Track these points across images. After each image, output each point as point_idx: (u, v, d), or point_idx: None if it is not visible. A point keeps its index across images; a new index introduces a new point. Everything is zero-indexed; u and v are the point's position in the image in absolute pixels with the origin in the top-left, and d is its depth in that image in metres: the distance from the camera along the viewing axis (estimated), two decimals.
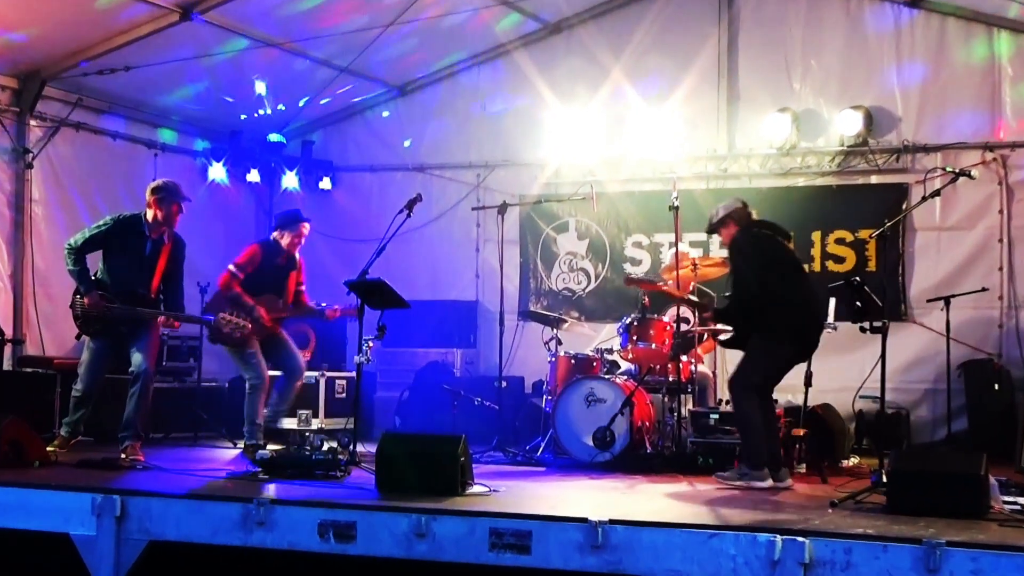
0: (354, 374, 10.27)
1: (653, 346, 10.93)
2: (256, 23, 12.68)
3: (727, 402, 10.91)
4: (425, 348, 14.05)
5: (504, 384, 11.82)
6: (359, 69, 14.10)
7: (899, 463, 7.68)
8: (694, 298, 10.73)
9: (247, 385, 10.66)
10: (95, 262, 10.19)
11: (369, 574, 7.35)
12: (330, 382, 12.52)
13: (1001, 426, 11.71)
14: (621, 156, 13.98)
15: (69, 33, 11.94)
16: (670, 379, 10.69)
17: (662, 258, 13.57)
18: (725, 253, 12.73)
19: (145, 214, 10.15)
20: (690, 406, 10.77)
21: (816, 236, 13.26)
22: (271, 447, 9.81)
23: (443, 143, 14.98)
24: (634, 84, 13.85)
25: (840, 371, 11.75)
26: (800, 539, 6.28)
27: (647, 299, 11.16)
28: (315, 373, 12.42)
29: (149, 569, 7.67)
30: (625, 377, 11.13)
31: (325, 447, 9.13)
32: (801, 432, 10.32)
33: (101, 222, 10.22)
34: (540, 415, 11.68)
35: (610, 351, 11.55)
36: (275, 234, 11.06)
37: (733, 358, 12.14)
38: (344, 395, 12.57)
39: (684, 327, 10.89)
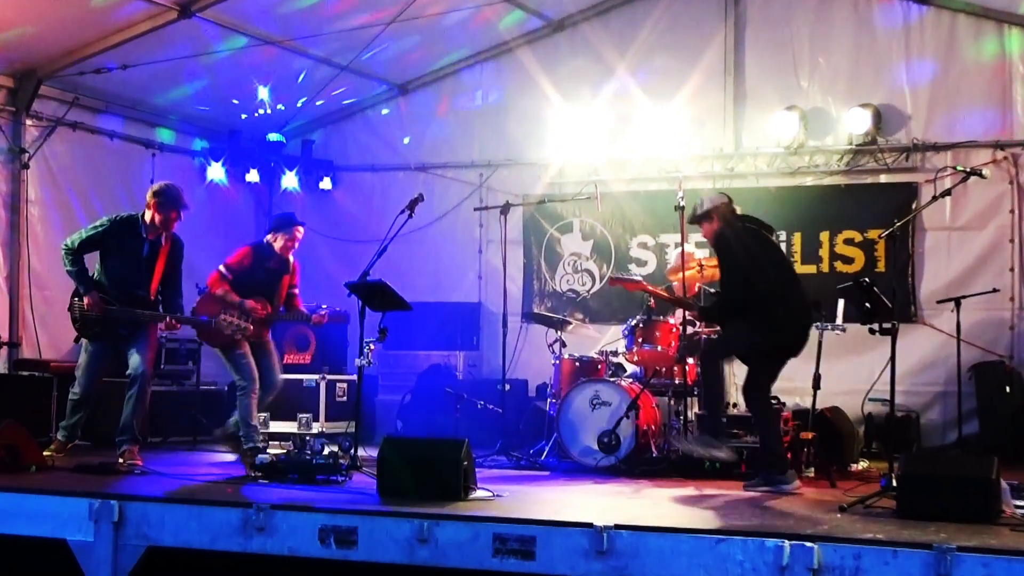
0: (355, 377, 10.26)
1: (659, 348, 10.92)
2: (255, 21, 12.69)
3: (734, 405, 10.93)
4: (427, 351, 14.05)
5: (507, 387, 11.83)
6: (360, 67, 14.11)
7: (909, 467, 7.67)
8: (684, 298, 10.80)
9: (237, 388, 10.68)
10: (92, 264, 10.18)
11: None
12: (331, 385, 12.52)
13: (1013, 429, 11.72)
14: (626, 155, 13.98)
15: (65, 31, 11.95)
16: (676, 382, 10.69)
17: (668, 259, 13.56)
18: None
19: (143, 215, 10.15)
20: (696, 409, 10.75)
21: (824, 236, 13.26)
22: (271, 451, 9.81)
23: (445, 142, 14.98)
24: (639, 82, 13.85)
25: (849, 373, 11.77)
26: (808, 544, 6.27)
27: (652, 300, 11.15)
28: (316, 376, 12.42)
29: (147, 575, 7.67)
30: (630, 380, 11.12)
31: (326, 451, 9.14)
32: (809, 435, 10.32)
33: (98, 223, 10.22)
34: (544, 418, 11.68)
35: (615, 353, 11.55)
36: (268, 237, 11.07)
37: (739, 361, 12.18)
38: (345, 398, 12.57)
39: (690, 329, 10.89)
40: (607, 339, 13.11)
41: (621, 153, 13.98)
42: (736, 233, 9.45)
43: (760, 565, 6.34)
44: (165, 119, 14.22)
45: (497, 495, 8.24)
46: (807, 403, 10.69)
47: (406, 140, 15.16)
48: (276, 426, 12.27)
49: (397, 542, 7.06)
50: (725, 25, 13.69)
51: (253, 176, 14.66)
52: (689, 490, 9.13)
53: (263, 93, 13.97)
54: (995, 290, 12.28)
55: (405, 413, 13.30)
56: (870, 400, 10.21)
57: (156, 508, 7.66)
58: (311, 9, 12.68)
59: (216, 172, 14.33)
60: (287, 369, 12.63)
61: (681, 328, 10.67)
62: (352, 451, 9.43)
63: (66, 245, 10.05)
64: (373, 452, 9.18)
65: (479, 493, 8.24)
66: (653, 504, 8.39)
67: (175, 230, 10.33)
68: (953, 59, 12.91)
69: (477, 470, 8.59)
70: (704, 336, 11.08)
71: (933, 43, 12.97)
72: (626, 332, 11.23)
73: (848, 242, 13.17)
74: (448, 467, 8.07)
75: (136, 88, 13.29)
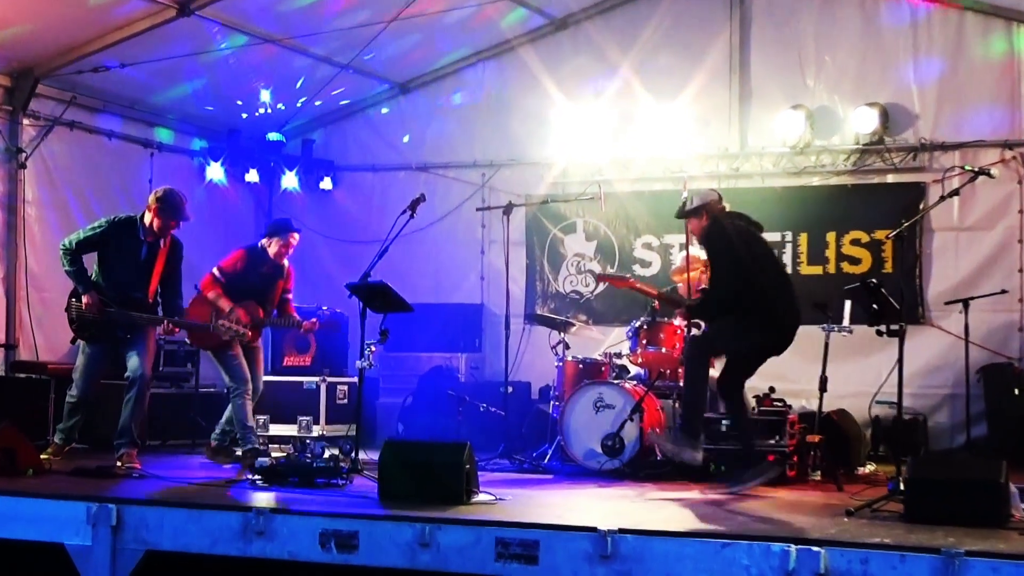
0: (356, 379, 10.27)
1: (663, 350, 10.92)
2: (255, 19, 12.70)
3: None
4: (429, 353, 14.04)
5: (510, 389, 11.82)
6: (360, 66, 14.12)
7: (917, 470, 7.66)
8: (669, 295, 10.84)
9: (230, 391, 10.72)
10: (89, 266, 10.18)
11: None
12: (331, 388, 12.52)
13: (1021, 432, 11.69)
14: (630, 155, 13.97)
15: (63, 29, 11.95)
16: (681, 384, 10.68)
17: (672, 260, 13.56)
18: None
19: (142, 216, 10.15)
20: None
21: (831, 237, 13.25)
22: (271, 454, 9.82)
23: (447, 142, 14.98)
24: (643, 81, 13.84)
25: (856, 376, 11.78)
26: (815, 549, 6.26)
27: (657, 302, 11.15)
28: (316, 378, 12.42)
29: None
30: (635, 382, 11.11)
31: (326, 454, 9.14)
32: (816, 438, 10.33)
33: (96, 224, 10.23)
34: (547, 421, 11.67)
35: (619, 355, 11.54)
36: (263, 241, 11.11)
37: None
38: (346, 401, 12.57)
39: (695, 331, 10.88)
40: (611, 341, 13.08)
41: (625, 153, 13.97)
42: (725, 230, 9.48)
43: (766, 570, 6.32)
44: (164, 118, 14.22)
45: (500, 499, 8.23)
46: (813, 405, 10.69)
47: (405, 139, 15.16)
48: (276, 429, 12.31)
49: (398, 546, 7.05)
50: (730, 23, 13.68)
51: (253, 176, 14.66)
52: (694, 494, 9.12)
53: (264, 95, 13.99)
54: (1004, 291, 12.28)
55: (406, 416, 13.29)
56: (877, 403, 10.23)
57: (155, 512, 7.65)
58: (311, 7, 12.69)
59: (215, 172, 14.33)
60: (287, 371, 12.70)
61: (686, 330, 10.67)
62: (353, 454, 9.44)
63: (64, 245, 10.06)
64: (374, 455, 9.18)
65: (481, 497, 8.23)
66: (658, 508, 8.38)
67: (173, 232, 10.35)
68: (961, 57, 12.90)
69: (479, 474, 8.58)
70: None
71: (941, 41, 12.96)
72: (630, 334, 11.22)
73: (855, 243, 13.17)
74: (450, 470, 8.07)
75: (135, 87, 13.30)
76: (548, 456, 11.07)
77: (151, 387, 10.32)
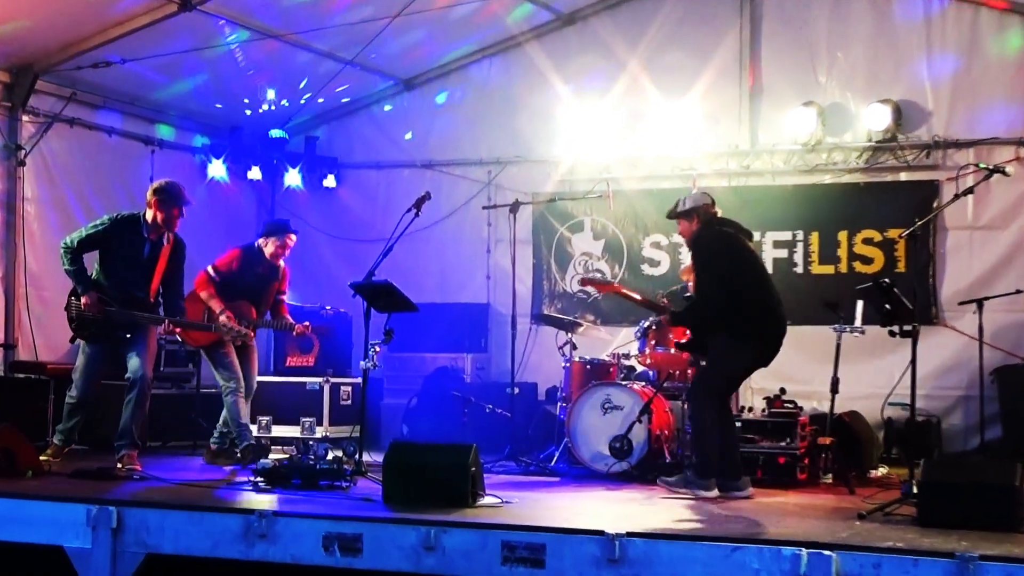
0: (360, 380, 10.26)
1: (672, 351, 10.91)
2: (257, 14, 12.70)
3: (749, 409, 10.92)
4: (434, 353, 14.05)
5: (516, 391, 11.80)
6: (364, 62, 14.12)
7: (930, 473, 7.65)
8: (651, 300, 10.85)
9: (223, 389, 10.77)
10: (90, 264, 10.21)
11: None
12: (335, 388, 12.50)
13: None
14: (638, 153, 13.96)
15: (63, 25, 11.95)
16: (690, 385, 10.67)
17: (681, 259, 13.53)
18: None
19: (144, 214, 10.17)
20: None
21: (843, 236, 13.24)
22: (273, 456, 9.83)
23: (452, 139, 14.98)
24: (652, 77, 13.84)
25: (868, 377, 11.78)
26: (827, 553, 6.26)
27: (666, 300, 11.15)
28: (319, 379, 12.42)
29: None
30: (643, 383, 11.10)
31: (330, 456, 9.18)
32: (827, 441, 10.32)
33: (98, 221, 10.24)
34: (554, 423, 11.67)
35: (627, 356, 11.54)
36: (260, 241, 11.17)
37: None
38: (349, 402, 12.56)
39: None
40: (619, 341, 13.08)
41: (633, 150, 13.97)
42: (714, 236, 9.50)
43: (777, 574, 6.32)
44: (165, 115, 14.23)
45: (506, 501, 8.24)
46: (825, 407, 10.68)
47: (407, 136, 15.16)
48: (278, 430, 12.28)
49: (403, 550, 7.05)
50: (740, 18, 13.67)
51: (255, 174, 14.67)
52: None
53: (267, 92, 14.00)
54: (1019, 291, 12.24)
55: (411, 417, 13.29)
56: (890, 404, 10.21)
57: (155, 514, 7.66)
58: (314, 2, 12.71)
59: (217, 169, 14.35)
60: (290, 372, 12.70)
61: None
62: (357, 456, 9.45)
63: (65, 244, 10.07)
64: (378, 457, 9.20)
65: (487, 499, 8.24)
66: (666, 511, 8.37)
67: (178, 229, 10.35)
68: (976, 53, 12.87)
69: (485, 476, 8.61)
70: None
71: (955, 37, 12.93)
72: (638, 334, 11.21)
73: (867, 242, 13.15)
74: (455, 473, 8.07)
75: (135, 83, 13.31)
76: (555, 458, 11.07)
77: (152, 388, 10.32)
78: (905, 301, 8.78)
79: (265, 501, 8.19)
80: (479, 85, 14.93)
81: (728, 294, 9.21)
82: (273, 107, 14.31)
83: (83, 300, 9.96)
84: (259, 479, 8.90)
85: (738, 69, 13.69)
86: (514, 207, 11.95)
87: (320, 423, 12.32)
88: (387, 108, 15.37)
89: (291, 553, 7.30)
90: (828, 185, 13.41)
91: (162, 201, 10.10)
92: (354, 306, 11.03)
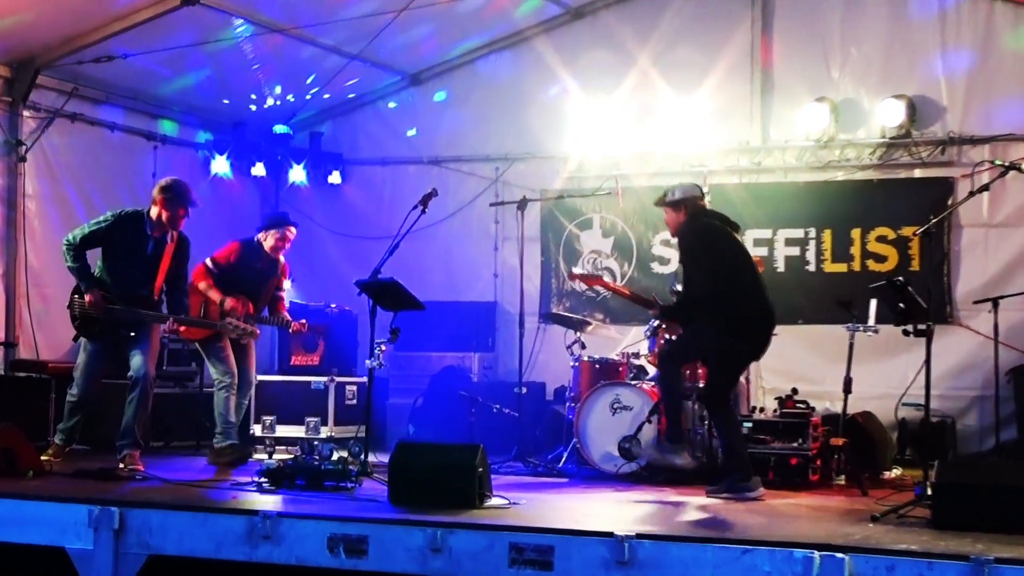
0: (365, 379, 10.27)
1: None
2: (261, 8, 12.71)
3: (760, 409, 10.93)
4: (441, 352, 14.06)
5: (524, 390, 11.81)
6: (370, 57, 14.12)
7: (944, 474, 7.64)
8: (640, 294, 10.86)
9: (217, 384, 10.81)
10: (93, 261, 10.22)
11: None
12: (340, 388, 12.51)
13: None
14: (648, 149, 13.96)
15: (64, 18, 11.96)
16: (700, 385, 10.67)
17: None
18: (759, 252, 12.85)
19: (149, 211, 10.18)
20: None
21: (856, 233, 13.23)
22: (278, 456, 9.84)
23: (459, 135, 14.98)
24: (662, 72, 13.83)
25: (882, 377, 11.77)
26: (839, 555, 6.26)
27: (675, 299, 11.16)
28: (324, 378, 12.43)
29: None
30: (653, 383, 11.10)
31: (335, 457, 9.16)
32: (840, 442, 10.31)
33: (101, 218, 10.25)
34: (562, 423, 11.68)
35: (637, 355, 11.53)
36: (259, 235, 11.20)
37: (767, 364, 12.13)
38: (355, 402, 12.57)
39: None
40: (628, 340, 13.06)
41: (643, 146, 13.96)
42: (701, 228, 9.54)
43: None
44: (168, 110, 14.24)
45: (513, 503, 8.25)
46: (838, 408, 10.68)
47: (410, 133, 15.17)
48: (283, 430, 12.31)
49: (409, 551, 7.06)
50: (751, 12, 13.66)
51: (259, 170, 14.68)
52: (714, 498, 9.12)
53: (271, 87, 14.01)
54: None
55: (417, 417, 13.29)
56: (904, 405, 10.19)
57: (158, 515, 7.67)
58: None
59: (221, 165, 14.36)
60: (295, 371, 12.71)
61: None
62: (362, 456, 9.46)
63: (68, 241, 10.08)
64: (384, 457, 9.21)
65: (495, 500, 8.24)
66: (676, 512, 8.40)
67: (182, 228, 10.37)
68: (991, 48, 12.86)
69: (492, 477, 8.60)
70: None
71: (970, 31, 12.92)
72: (648, 333, 11.22)
73: (881, 239, 13.15)
74: (462, 473, 8.08)
75: (137, 78, 13.32)
76: (563, 459, 11.08)
77: (154, 387, 10.33)
78: (919, 300, 8.77)
79: (269, 502, 8.19)
80: (487, 80, 14.93)
81: (714, 286, 9.25)
82: (278, 102, 14.33)
83: (86, 298, 9.97)
84: (263, 479, 8.90)
85: (749, 64, 13.68)
86: (522, 204, 11.95)
87: (325, 423, 12.34)
88: (391, 105, 15.37)
89: (295, 555, 7.31)
90: (841, 182, 13.40)
91: (168, 200, 10.11)
92: (360, 304, 11.04)
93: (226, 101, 14.35)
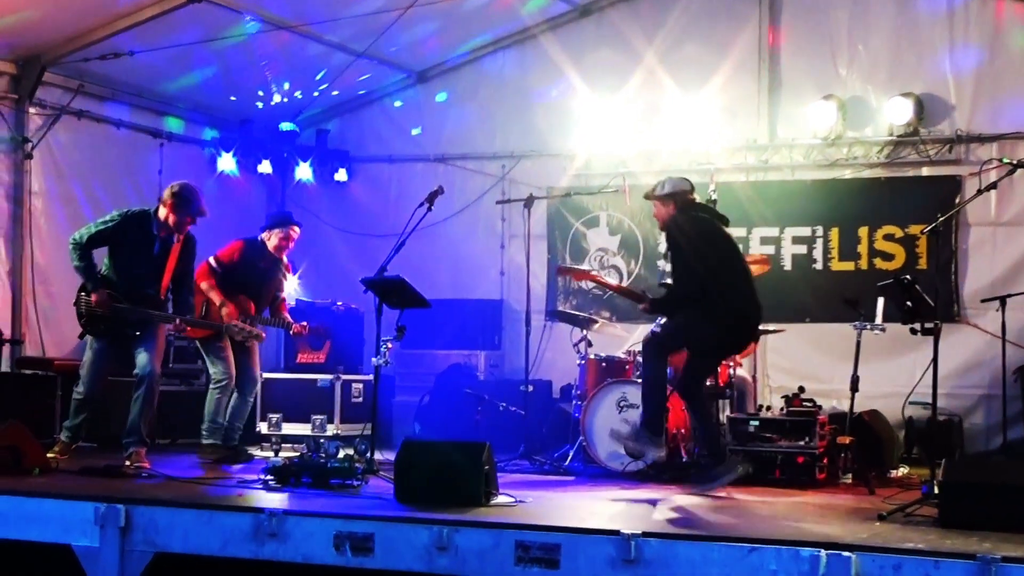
0: (371, 377, 10.29)
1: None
2: (267, 5, 12.72)
3: (767, 407, 10.93)
4: (447, 350, 14.06)
5: (531, 388, 11.81)
6: (376, 54, 14.13)
7: (952, 473, 7.64)
8: (630, 289, 10.89)
9: (212, 382, 10.86)
10: (99, 259, 10.23)
11: None
12: (346, 386, 12.54)
13: None
14: (655, 147, 13.96)
15: (70, 16, 11.98)
16: (708, 383, 10.66)
17: None
18: (766, 250, 12.84)
19: (156, 211, 10.19)
20: (728, 412, 10.74)
21: (863, 231, 13.23)
22: (284, 454, 9.86)
23: (466, 132, 14.99)
24: (669, 70, 13.82)
25: (889, 375, 11.78)
26: (846, 554, 6.25)
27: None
28: (330, 376, 12.45)
29: None
30: None
31: (341, 454, 9.15)
32: (847, 440, 10.30)
33: (108, 217, 10.26)
34: (569, 421, 11.67)
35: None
36: (263, 234, 11.21)
37: (774, 362, 12.17)
38: (361, 399, 12.59)
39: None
40: (635, 338, 13.02)
41: (650, 144, 13.96)
42: (689, 222, 9.53)
43: (795, 575, 6.32)
44: (174, 107, 14.27)
45: (519, 501, 8.24)
46: (844, 406, 10.66)
47: (414, 132, 15.17)
48: (289, 428, 12.34)
49: (415, 549, 7.06)
50: (759, 10, 13.66)
51: (265, 167, 14.71)
52: (721, 496, 9.13)
53: (277, 84, 14.01)
54: None
55: (423, 415, 13.29)
56: (911, 403, 10.23)
57: (164, 513, 7.68)
58: None
59: (227, 163, 14.38)
60: (301, 369, 12.72)
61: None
62: (368, 454, 9.46)
63: (74, 239, 10.09)
64: (390, 455, 9.21)
65: (501, 499, 8.24)
66: (683, 511, 8.38)
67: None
68: (999, 46, 12.85)
69: (499, 475, 8.62)
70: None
71: (978, 29, 12.91)
72: (655, 331, 11.21)
73: (888, 238, 13.14)
74: (469, 471, 8.08)
75: (144, 75, 13.33)
76: (570, 457, 11.07)
77: (160, 384, 10.35)
78: (927, 298, 8.76)
79: (275, 500, 8.20)
80: (493, 78, 14.94)
81: (701, 280, 9.26)
82: (286, 99, 14.33)
83: (93, 297, 9.99)
84: (269, 477, 8.91)
85: (756, 62, 13.68)
86: (528, 202, 11.96)
87: (331, 421, 12.37)
88: (397, 104, 15.38)
89: (302, 552, 7.31)
90: (848, 180, 13.40)
91: (177, 205, 10.13)
92: (366, 302, 11.06)
93: (232, 98, 14.36)
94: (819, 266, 13.36)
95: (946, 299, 12.47)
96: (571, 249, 14.50)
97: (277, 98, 14.26)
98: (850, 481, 10.25)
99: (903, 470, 11.02)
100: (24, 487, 8.38)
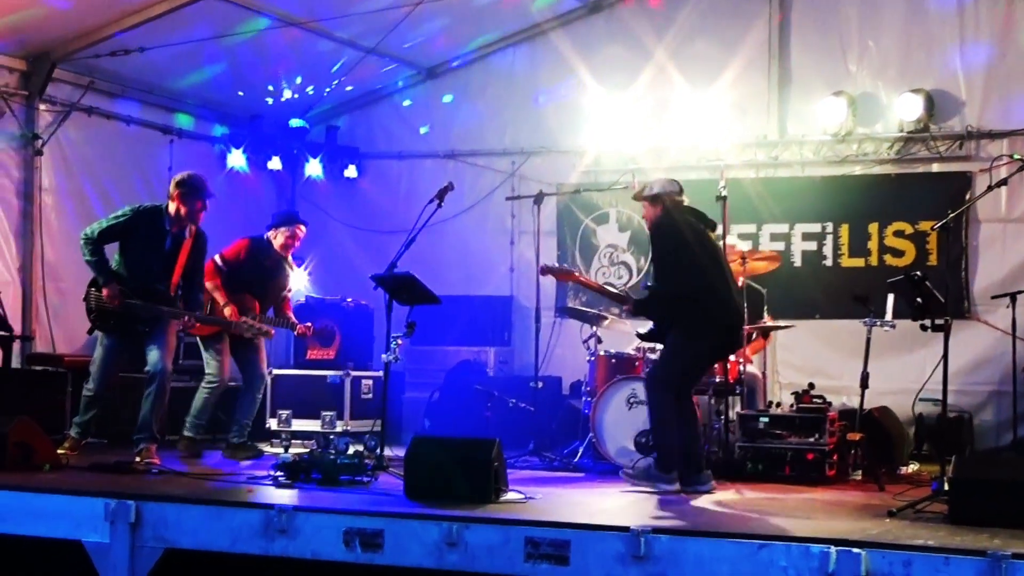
0: (381, 374, 10.30)
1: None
2: (277, 1, 12.72)
3: (777, 404, 10.92)
4: (456, 346, 14.06)
5: (540, 385, 11.82)
6: (386, 51, 14.13)
7: (962, 470, 7.64)
8: (613, 290, 10.86)
9: (206, 379, 11.00)
10: (110, 254, 10.25)
11: None
12: (356, 382, 12.55)
13: None
14: (665, 143, 13.95)
15: (80, 12, 11.97)
16: (717, 380, 10.66)
17: None
18: (776, 246, 12.83)
19: (167, 206, 10.21)
20: (738, 408, 10.72)
21: (873, 228, 13.22)
22: (293, 451, 9.87)
23: (475, 129, 14.98)
24: (678, 66, 13.80)
25: (899, 372, 11.75)
26: (856, 551, 6.24)
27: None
28: (340, 372, 12.46)
29: None
30: None
31: (351, 451, 9.15)
32: (857, 437, 10.31)
33: (120, 212, 10.28)
34: (578, 418, 11.68)
35: (653, 350, 11.48)
36: (269, 233, 11.23)
37: (783, 358, 12.16)
38: (371, 396, 12.60)
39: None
40: None
41: (659, 141, 13.95)
42: (674, 224, 9.49)
43: (804, 572, 6.31)
44: (184, 104, 14.26)
45: (529, 497, 8.25)
46: (854, 403, 10.67)
47: (423, 130, 15.17)
48: (299, 424, 12.34)
49: (425, 545, 7.07)
50: (769, 6, 13.64)
51: (275, 164, 14.72)
52: (730, 493, 9.13)
53: (287, 80, 14.02)
54: None
55: (433, 411, 13.30)
56: (921, 400, 10.16)
57: (174, 509, 7.69)
58: None
59: (237, 159, 14.39)
60: (311, 365, 12.72)
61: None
62: (378, 450, 9.46)
63: (85, 235, 10.11)
64: (400, 452, 9.21)
65: (510, 495, 8.24)
66: (693, 507, 8.38)
67: (201, 222, 10.40)
68: (1010, 42, 12.82)
69: (508, 471, 8.61)
70: (747, 332, 11.03)
71: (988, 25, 12.89)
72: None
73: (898, 234, 13.13)
74: (478, 468, 8.08)
75: (153, 71, 13.33)
76: (579, 454, 11.08)
77: (171, 381, 10.36)
78: (937, 295, 8.74)
79: (285, 496, 8.21)
80: (503, 74, 14.93)
81: (684, 283, 9.25)
82: (296, 95, 14.34)
83: (104, 292, 10.01)
84: (279, 473, 8.92)
85: (766, 58, 13.66)
86: (538, 198, 11.97)
87: (341, 417, 12.38)
88: (406, 103, 15.38)
89: (311, 548, 7.32)
90: (858, 176, 13.39)
91: (184, 194, 10.15)
92: (376, 298, 11.07)
93: (241, 93, 14.36)
94: (829, 262, 13.35)
95: (956, 295, 12.46)
96: (581, 245, 14.49)
97: (287, 94, 14.26)
98: (860, 478, 10.24)
99: (913, 467, 11.02)
100: (34, 483, 8.40)
